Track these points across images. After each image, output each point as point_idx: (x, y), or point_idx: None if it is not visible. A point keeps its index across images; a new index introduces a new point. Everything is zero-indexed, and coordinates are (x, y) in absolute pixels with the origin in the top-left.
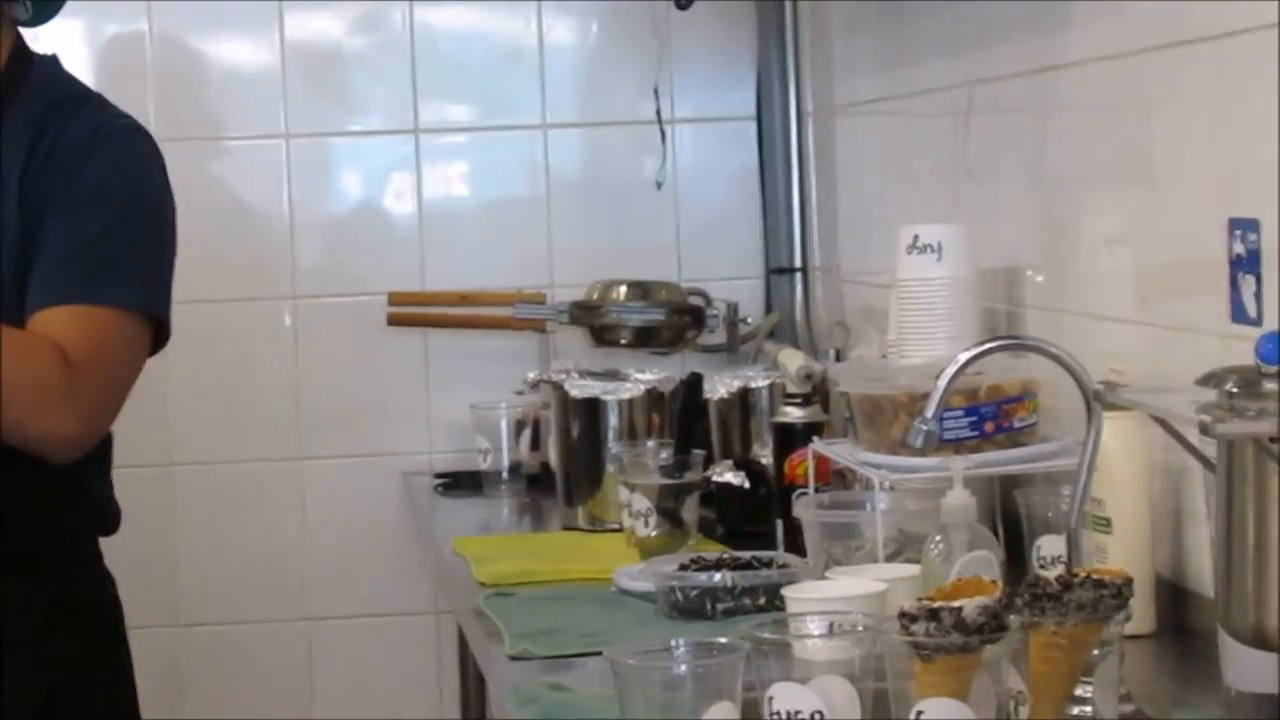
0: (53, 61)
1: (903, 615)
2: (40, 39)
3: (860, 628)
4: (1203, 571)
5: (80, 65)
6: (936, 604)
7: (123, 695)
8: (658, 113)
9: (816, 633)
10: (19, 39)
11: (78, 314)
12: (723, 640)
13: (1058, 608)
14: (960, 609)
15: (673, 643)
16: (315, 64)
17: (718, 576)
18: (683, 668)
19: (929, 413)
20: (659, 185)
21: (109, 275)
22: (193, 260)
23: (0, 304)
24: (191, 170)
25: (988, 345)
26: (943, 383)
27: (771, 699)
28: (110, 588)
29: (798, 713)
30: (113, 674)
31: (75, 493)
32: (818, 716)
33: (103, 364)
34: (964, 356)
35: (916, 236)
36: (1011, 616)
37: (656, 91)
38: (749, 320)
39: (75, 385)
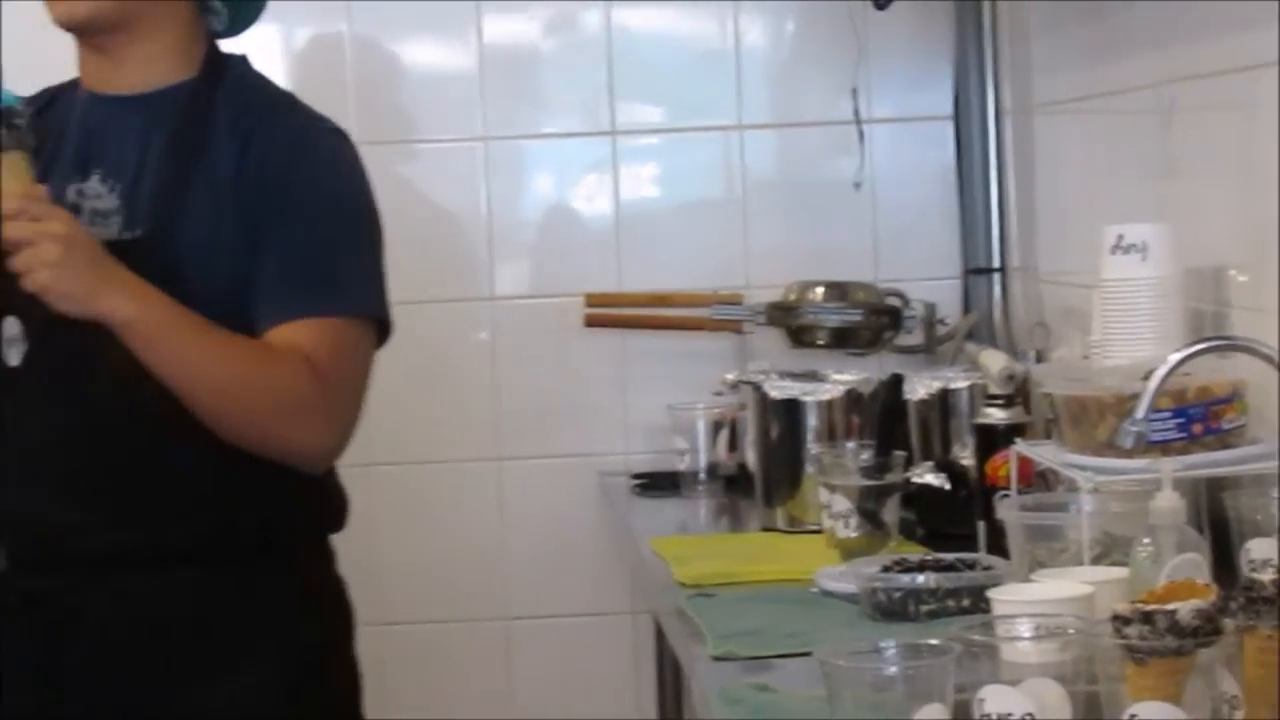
0: (243, 62)
1: (1116, 618)
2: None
3: (1071, 630)
4: None
5: (277, 68)
6: (1150, 607)
7: (355, 691)
8: (855, 113)
9: (1027, 635)
10: (211, 42)
11: (317, 327)
12: (933, 642)
13: (1274, 611)
14: (1175, 612)
15: (883, 644)
16: (511, 66)
17: (921, 578)
18: (894, 669)
19: (1139, 414)
20: (857, 186)
21: (339, 285)
22: (391, 262)
23: (221, 307)
24: (388, 173)
25: (1200, 346)
26: (1154, 383)
27: (983, 701)
28: (343, 583)
29: (1009, 715)
30: (349, 669)
31: (317, 485)
32: (1029, 719)
33: (347, 375)
34: (1175, 357)
35: (1121, 236)
36: (1226, 620)
37: (855, 92)
38: (946, 321)
39: (326, 398)
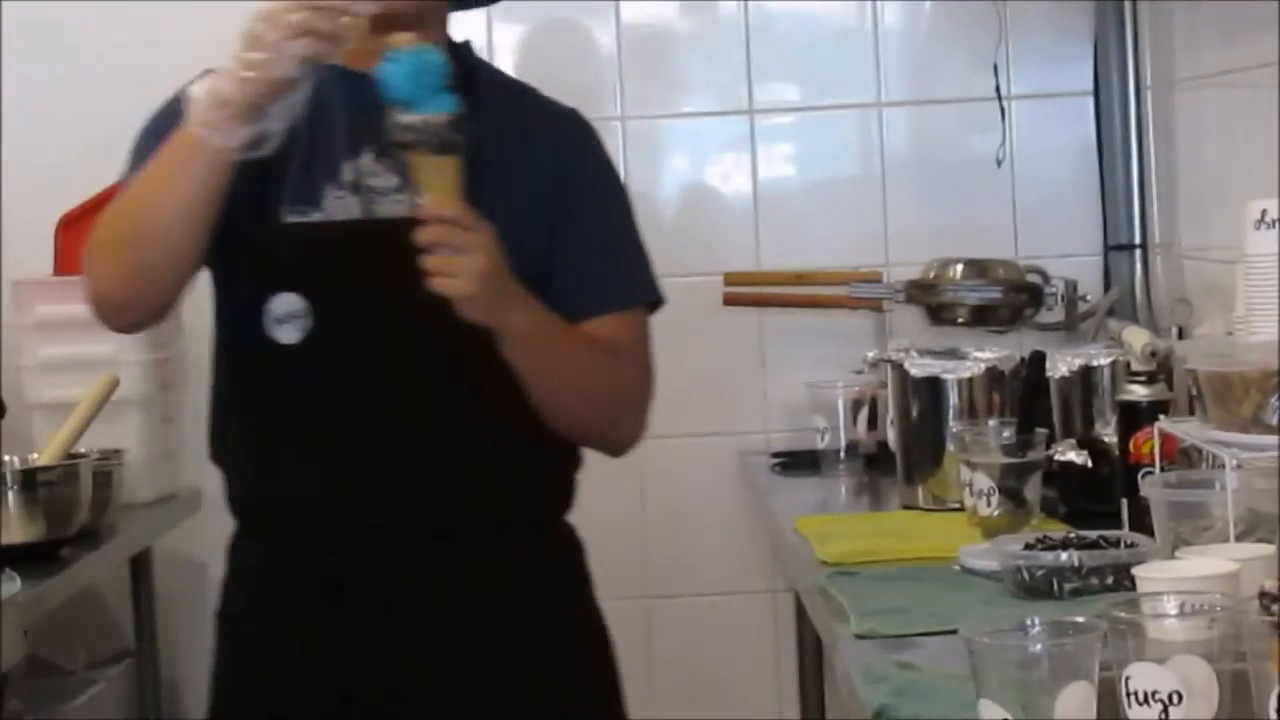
0: (470, 48)
1: (1263, 595)
2: None
3: (1218, 607)
4: None
5: None
6: None
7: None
8: (997, 89)
9: (1173, 612)
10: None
11: (625, 320)
12: (1079, 619)
13: None
14: None
15: (1028, 622)
16: (650, 46)
17: (1065, 556)
18: (1039, 647)
19: None
20: (999, 163)
21: (636, 275)
22: None
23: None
24: None
25: None
26: None
27: (1129, 679)
28: None
29: (1155, 693)
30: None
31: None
32: (1176, 697)
33: (650, 361)
34: None
35: (1265, 211)
36: None
37: (996, 68)
38: (1088, 298)
39: (647, 390)
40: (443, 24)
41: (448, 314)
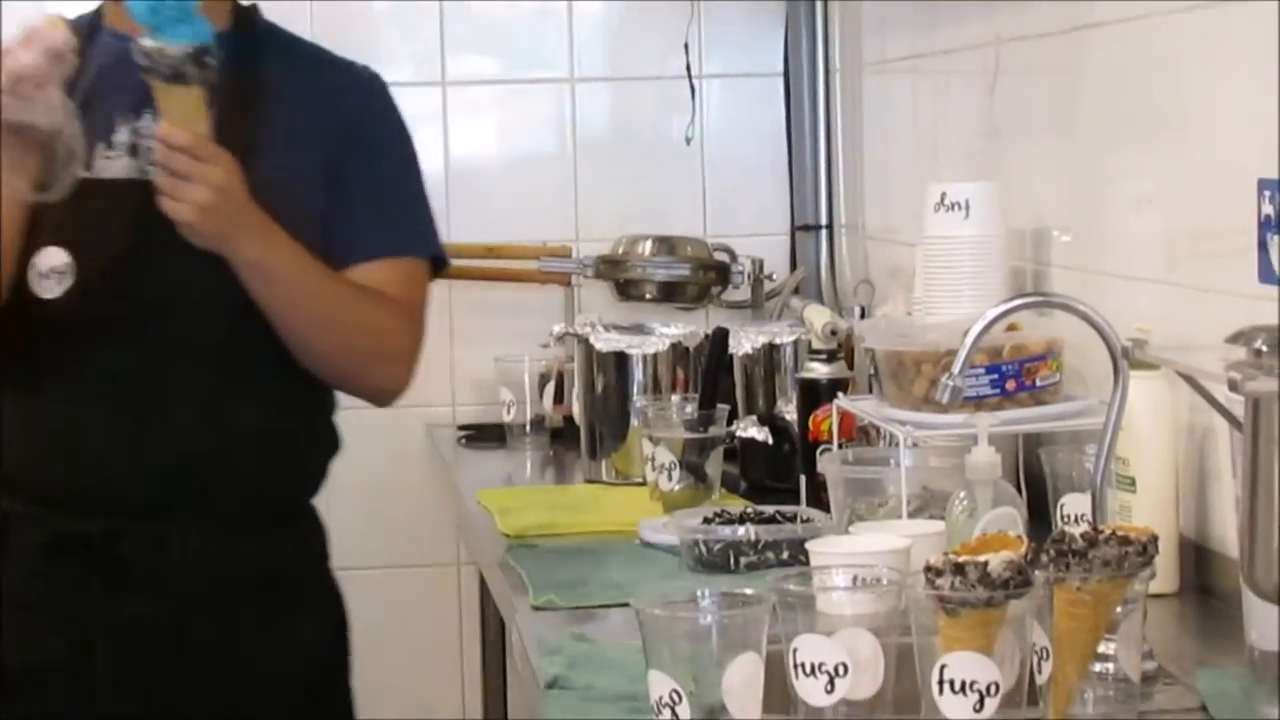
0: (258, 11)
1: (928, 569)
2: None
3: (885, 581)
4: (1227, 532)
5: None
6: (962, 559)
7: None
8: (688, 68)
9: (841, 586)
10: None
11: (398, 266)
12: (748, 592)
13: (1082, 564)
14: (986, 564)
15: (699, 594)
16: (342, 17)
17: (741, 530)
18: (709, 619)
19: (956, 369)
20: (688, 141)
21: (414, 226)
22: None
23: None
24: None
25: (1016, 302)
26: (970, 339)
27: (796, 651)
28: None
29: (822, 665)
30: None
31: (335, 431)
32: (842, 669)
33: (421, 314)
34: (993, 313)
35: (944, 194)
36: (1036, 572)
37: (686, 47)
38: (774, 277)
39: (412, 337)
40: None
41: (213, 277)
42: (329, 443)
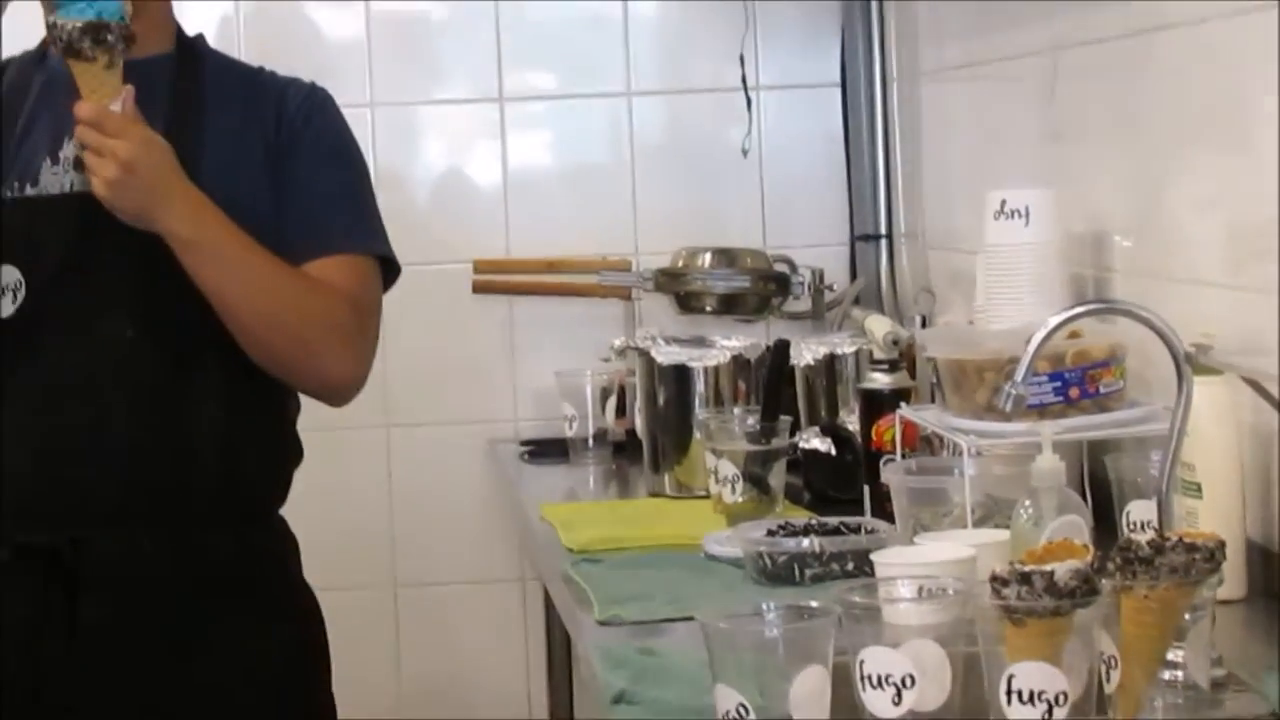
0: (205, 40)
1: (994, 579)
2: None
3: (951, 591)
4: None
5: None
6: (1028, 568)
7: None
8: (743, 79)
9: (907, 597)
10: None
11: (349, 262)
12: (813, 604)
13: (1149, 571)
14: (1052, 572)
15: (764, 607)
16: (401, 32)
17: (806, 542)
18: (774, 632)
19: (1018, 377)
20: (745, 152)
21: (364, 226)
22: None
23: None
24: None
25: (1078, 310)
26: (1032, 346)
27: (862, 663)
28: None
29: (889, 676)
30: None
31: (296, 438)
32: (909, 680)
33: (373, 310)
34: (1054, 320)
35: (1004, 201)
36: (1103, 580)
37: (742, 58)
38: (834, 287)
39: (361, 329)
40: (163, 5)
41: (163, 281)
42: (290, 449)
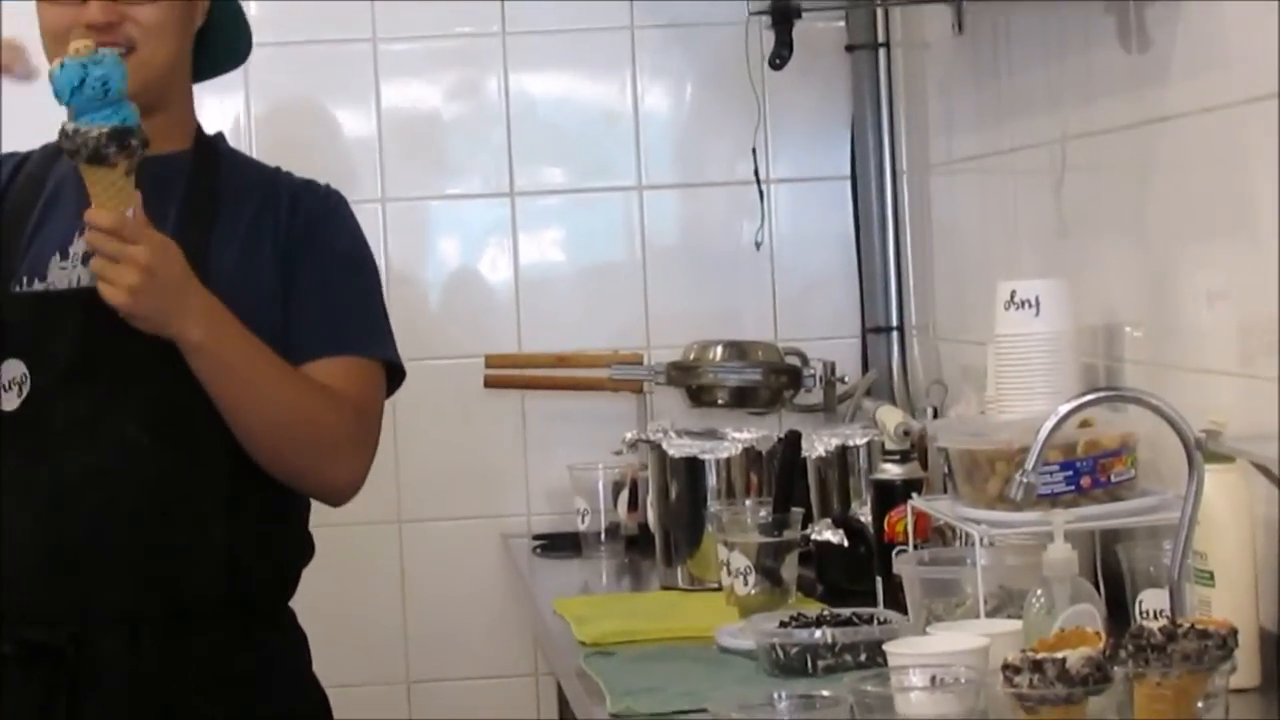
0: (224, 138)
1: (1006, 667)
2: None
3: (963, 681)
4: None
5: None
6: (1040, 655)
7: None
8: (755, 173)
9: (919, 686)
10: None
11: (354, 365)
12: (825, 693)
13: (1162, 658)
14: (1064, 660)
15: (775, 695)
16: (413, 129)
17: (819, 633)
18: None
19: (1029, 466)
20: (758, 245)
21: (372, 331)
22: None
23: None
24: None
25: (1088, 397)
26: (1042, 435)
27: None
28: None
29: None
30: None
31: (307, 534)
32: None
33: (376, 414)
34: (1064, 409)
35: (1014, 292)
36: (1115, 668)
37: (754, 152)
38: (846, 379)
39: (364, 434)
40: (183, 103)
41: (169, 380)
42: (299, 549)
